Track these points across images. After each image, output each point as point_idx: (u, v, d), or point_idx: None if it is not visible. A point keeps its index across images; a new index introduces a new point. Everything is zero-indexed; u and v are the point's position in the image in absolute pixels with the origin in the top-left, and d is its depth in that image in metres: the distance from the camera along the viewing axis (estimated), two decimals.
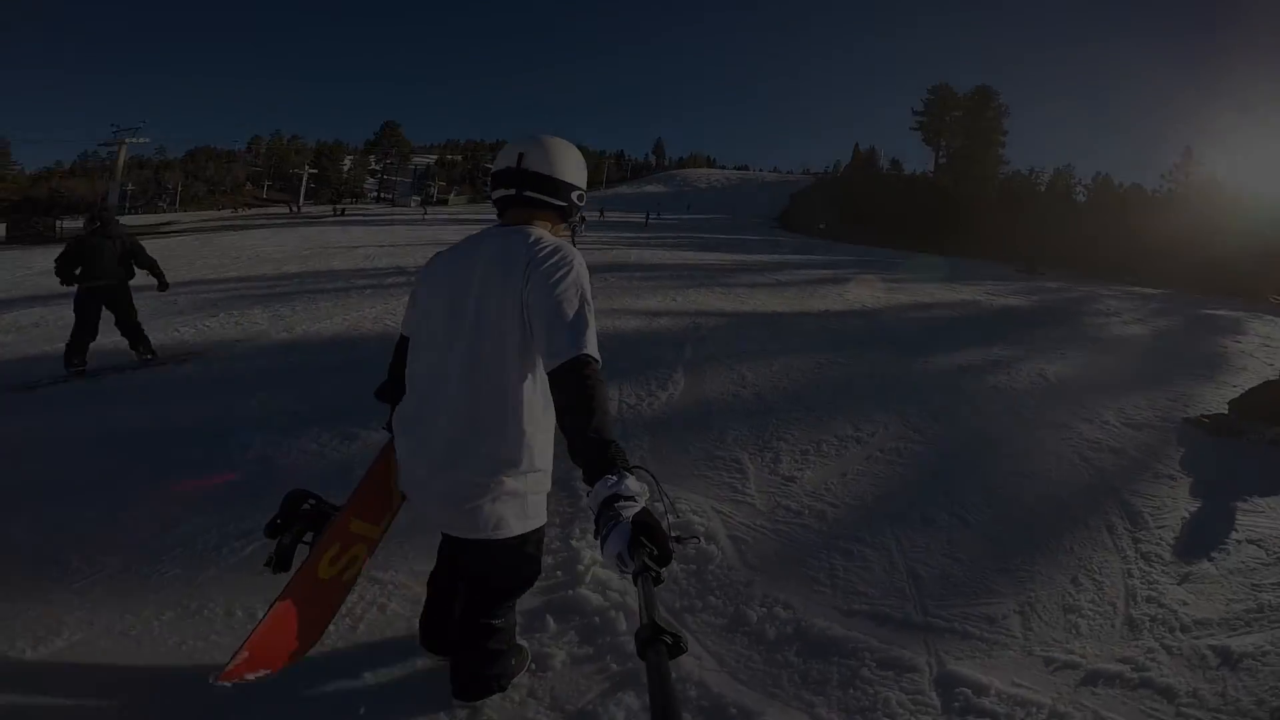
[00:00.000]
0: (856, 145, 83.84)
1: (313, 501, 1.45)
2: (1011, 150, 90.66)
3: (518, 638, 1.72)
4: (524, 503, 1.37)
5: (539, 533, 1.45)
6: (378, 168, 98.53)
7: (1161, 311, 12.29)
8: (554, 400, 1.19)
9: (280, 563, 1.38)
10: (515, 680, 1.69)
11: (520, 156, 1.39)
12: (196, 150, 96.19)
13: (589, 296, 1.26)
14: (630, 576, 0.90)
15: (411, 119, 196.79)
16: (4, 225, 36.99)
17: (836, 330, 7.15)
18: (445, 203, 79.56)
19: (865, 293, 10.89)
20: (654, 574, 0.89)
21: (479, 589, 1.53)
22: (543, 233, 1.38)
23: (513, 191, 1.40)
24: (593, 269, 1.49)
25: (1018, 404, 4.88)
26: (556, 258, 1.28)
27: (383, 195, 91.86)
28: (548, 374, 1.18)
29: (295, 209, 65.78)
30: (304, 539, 1.42)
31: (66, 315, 5.21)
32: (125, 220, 45.77)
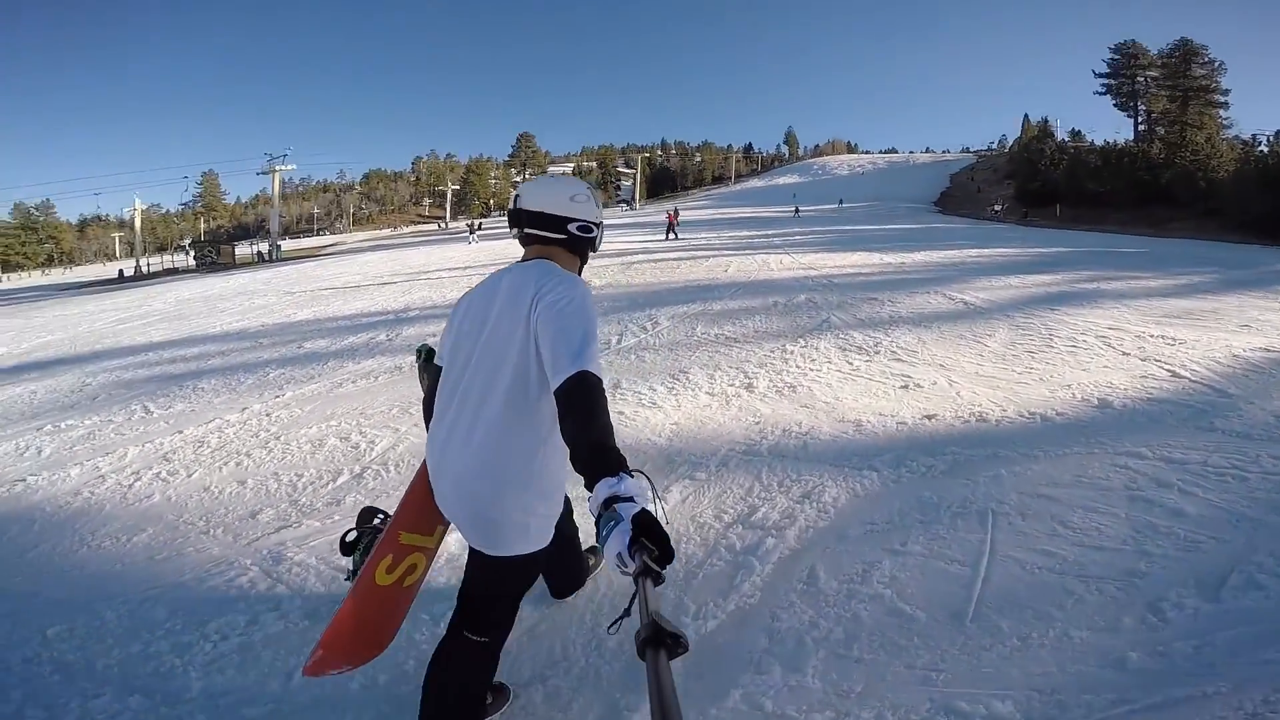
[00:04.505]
0: (1026, 116, 72.60)
1: (381, 516, 1.69)
2: (1240, 111, 73.87)
3: (500, 678, 1.75)
4: (530, 524, 1.39)
5: (540, 554, 1.46)
6: (519, 179, 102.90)
7: None
8: (558, 413, 1.19)
9: (354, 576, 1.57)
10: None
11: (516, 198, 1.55)
12: (371, 173, 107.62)
13: (592, 323, 1.29)
14: (631, 576, 0.90)
15: (549, 129, 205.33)
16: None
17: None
18: None
19: (1182, 339, 5.28)
20: (654, 574, 0.88)
21: (471, 598, 1.49)
22: (552, 266, 1.45)
23: (517, 230, 1.54)
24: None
25: None
26: (561, 289, 1.33)
27: None
28: (554, 392, 1.19)
29: (443, 225, 69.73)
30: (369, 552, 1.55)
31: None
32: (289, 245, 50.63)
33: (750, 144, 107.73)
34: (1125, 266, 11.33)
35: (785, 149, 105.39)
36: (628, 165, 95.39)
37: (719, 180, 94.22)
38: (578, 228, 1.51)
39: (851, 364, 4.78)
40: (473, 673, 1.49)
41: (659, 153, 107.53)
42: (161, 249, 61.79)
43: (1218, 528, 2.40)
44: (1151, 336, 5.35)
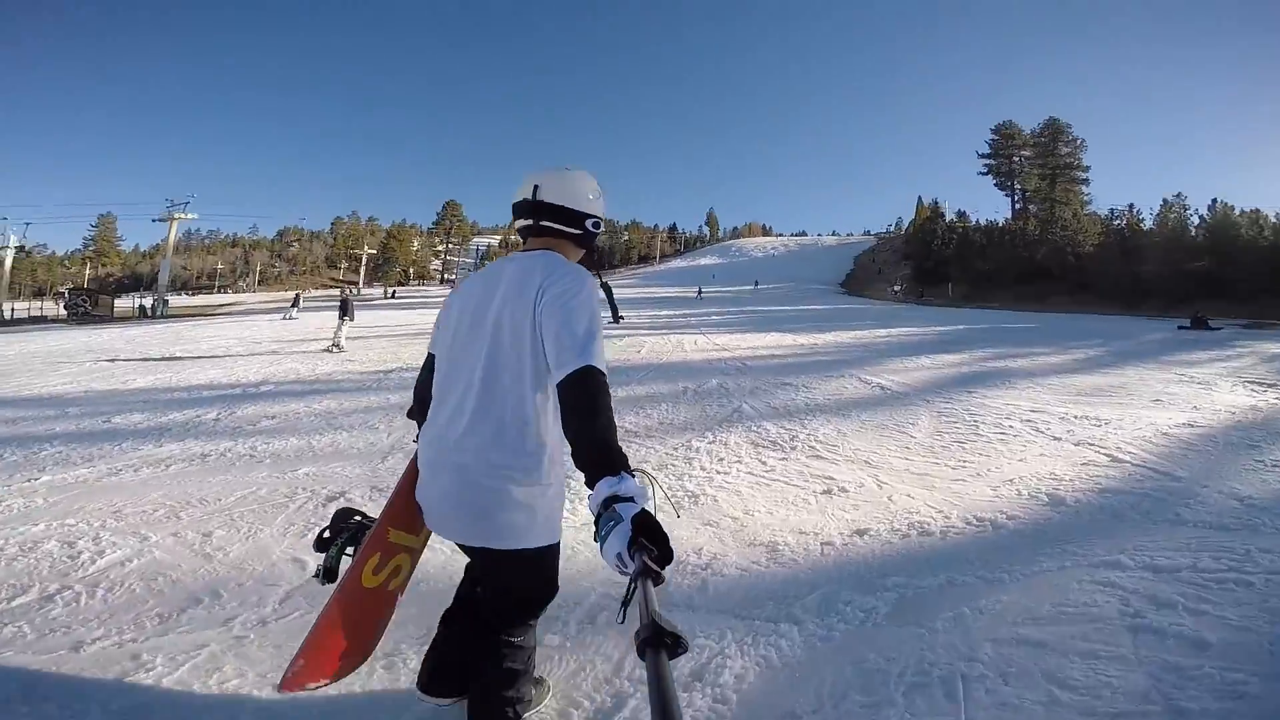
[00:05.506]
0: (920, 198, 78.23)
1: (359, 517, 1.52)
2: (1098, 187, 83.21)
3: (539, 672, 1.69)
4: (535, 515, 1.32)
5: (553, 549, 1.40)
6: (441, 248, 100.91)
7: None
8: (560, 408, 1.17)
9: (328, 574, 1.42)
10: (533, 713, 1.58)
11: (535, 189, 1.45)
12: (286, 230, 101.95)
13: (598, 316, 1.26)
14: (630, 577, 0.87)
15: (477, 201, 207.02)
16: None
17: None
18: None
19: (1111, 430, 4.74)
20: (654, 574, 0.86)
21: (498, 600, 1.45)
22: (559, 258, 1.40)
23: (530, 222, 1.46)
24: None
25: None
26: (568, 280, 1.30)
27: (446, 276, 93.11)
28: (556, 386, 1.18)
29: (356, 290, 66.47)
30: (346, 551, 1.45)
31: None
32: (179, 301, 45.73)
33: (675, 224, 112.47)
34: (1022, 343, 11.78)
35: (706, 230, 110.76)
36: None
37: (645, 260, 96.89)
38: (592, 224, 1.50)
39: (765, 463, 4.03)
40: (515, 667, 1.42)
41: None
42: (39, 294, 54.79)
43: (1254, 659, 1.79)
44: (1076, 418, 5.06)
